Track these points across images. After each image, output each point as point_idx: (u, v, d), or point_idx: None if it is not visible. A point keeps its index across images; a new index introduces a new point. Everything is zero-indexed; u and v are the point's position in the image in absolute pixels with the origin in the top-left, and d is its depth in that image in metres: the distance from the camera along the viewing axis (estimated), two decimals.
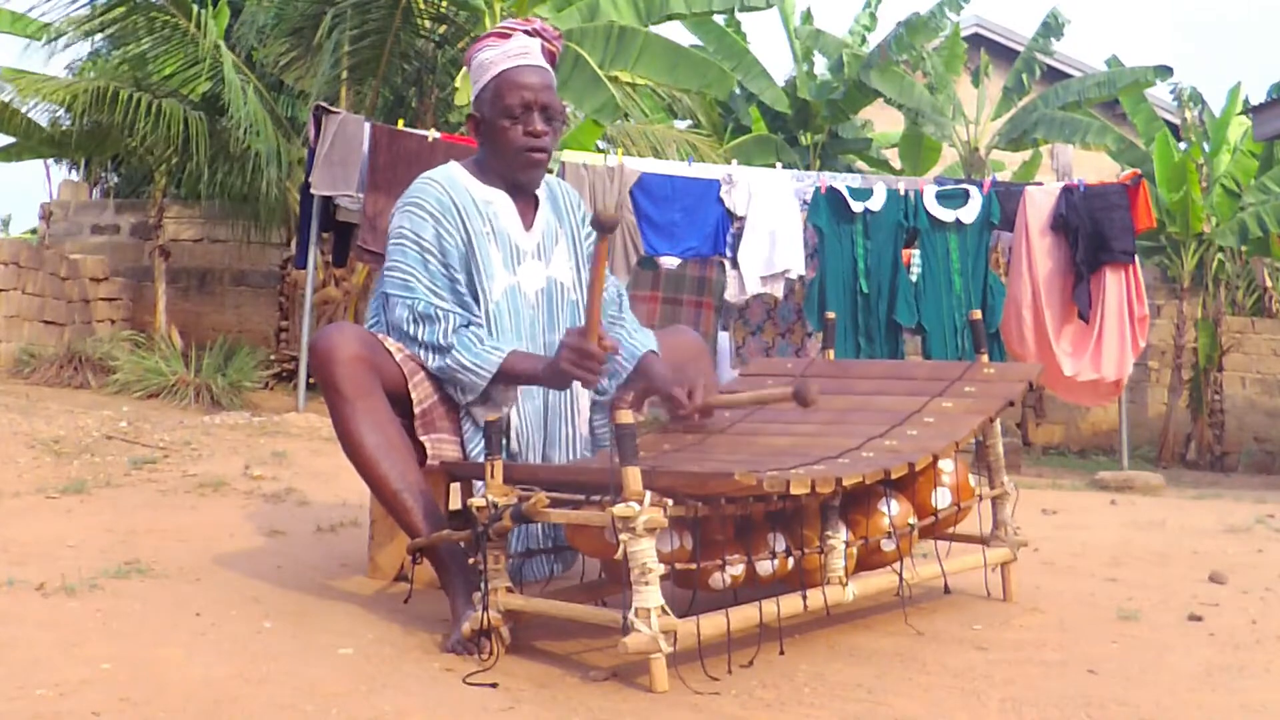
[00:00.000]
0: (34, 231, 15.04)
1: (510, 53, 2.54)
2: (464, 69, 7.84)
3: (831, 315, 3.17)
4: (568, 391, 2.58)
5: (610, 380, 2.66)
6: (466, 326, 2.45)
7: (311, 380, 7.81)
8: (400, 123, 7.80)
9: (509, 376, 2.42)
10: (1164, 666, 2.28)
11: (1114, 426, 10.87)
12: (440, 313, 2.44)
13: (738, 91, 13.27)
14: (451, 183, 2.56)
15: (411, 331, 2.45)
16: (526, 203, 2.64)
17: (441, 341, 2.43)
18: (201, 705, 1.78)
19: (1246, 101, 12.10)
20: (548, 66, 2.59)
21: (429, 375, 2.48)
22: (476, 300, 2.51)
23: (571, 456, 2.59)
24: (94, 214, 12.73)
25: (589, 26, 8.65)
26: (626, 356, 2.65)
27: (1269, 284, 13.04)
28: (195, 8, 9.27)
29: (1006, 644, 2.40)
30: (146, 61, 9.79)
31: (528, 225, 2.62)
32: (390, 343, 2.47)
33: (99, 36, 9.88)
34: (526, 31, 2.59)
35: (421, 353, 2.45)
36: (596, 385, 2.45)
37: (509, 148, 2.55)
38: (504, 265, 2.55)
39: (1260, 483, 9.24)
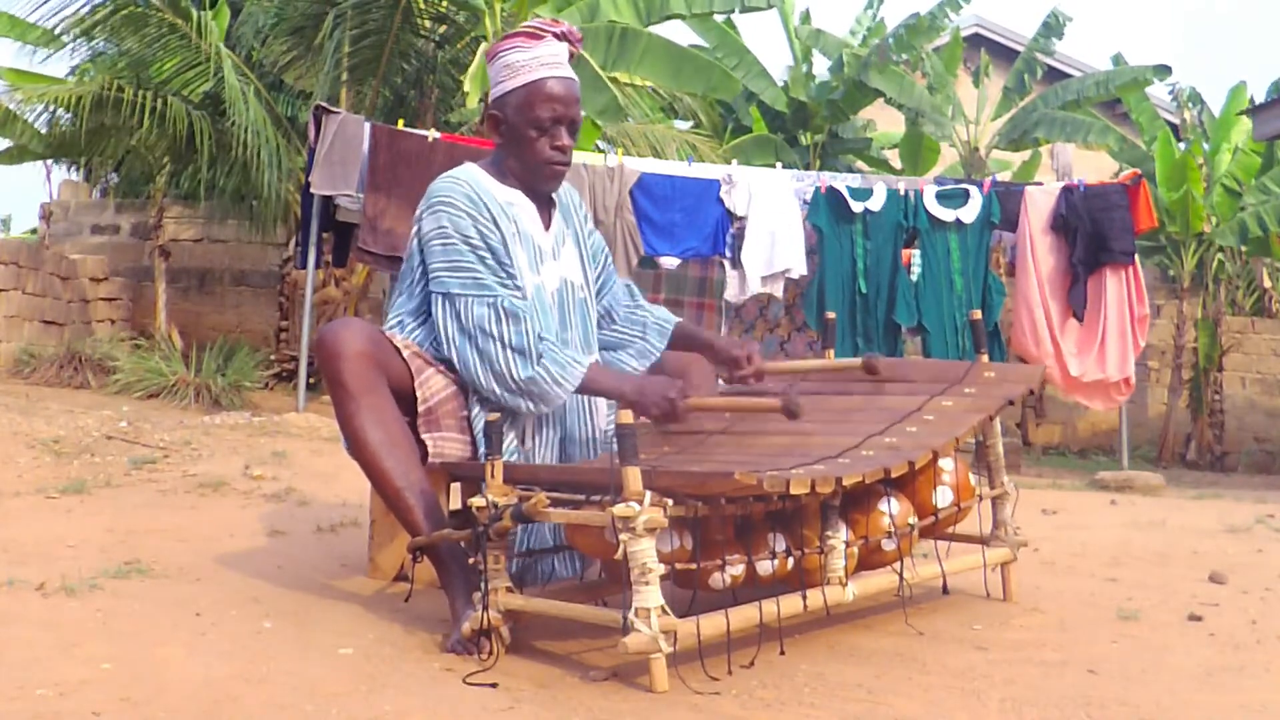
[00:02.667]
0: (34, 231, 15.04)
1: (543, 59, 2.50)
2: (468, 69, 7.83)
3: (831, 315, 3.17)
4: None
5: (640, 360, 2.73)
6: (544, 337, 2.44)
7: (312, 380, 7.82)
8: (400, 123, 7.80)
9: (587, 390, 2.44)
10: (1164, 666, 2.28)
11: (1114, 426, 10.87)
12: (524, 313, 2.41)
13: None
14: (475, 183, 2.53)
15: (498, 331, 2.39)
16: (543, 204, 2.64)
17: (531, 346, 2.38)
18: (201, 705, 1.78)
19: (1252, 100, 12.09)
20: (575, 76, 2.57)
21: (438, 373, 2.47)
22: None
23: (591, 455, 2.59)
24: (94, 214, 12.74)
25: (589, 27, 8.65)
26: (655, 335, 2.74)
27: (1269, 284, 13.04)
28: (194, 11, 9.27)
29: (1006, 644, 2.40)
30: (146, 63, 9.79)
31: (546, 226, 2.63)
32: (398, 340, 2.46)
33: (99, 40, 9.88)
34: (556, 34, 2.54)
35: (504, 354, 2.38)
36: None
37: (534, 158, 2.53)
38: (529, 266, 2.55)
39: (1260, 483, 9.24)
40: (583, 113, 2.62)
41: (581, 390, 2.42)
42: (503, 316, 2.40)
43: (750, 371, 2.64)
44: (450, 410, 2.48)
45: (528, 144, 2.52)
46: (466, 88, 7.81)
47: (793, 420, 2.37)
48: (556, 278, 2.61)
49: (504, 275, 2.47)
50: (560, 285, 2.61)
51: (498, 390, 2.41)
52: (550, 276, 2.59)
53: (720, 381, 2.82)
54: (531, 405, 2.42)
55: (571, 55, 2.58)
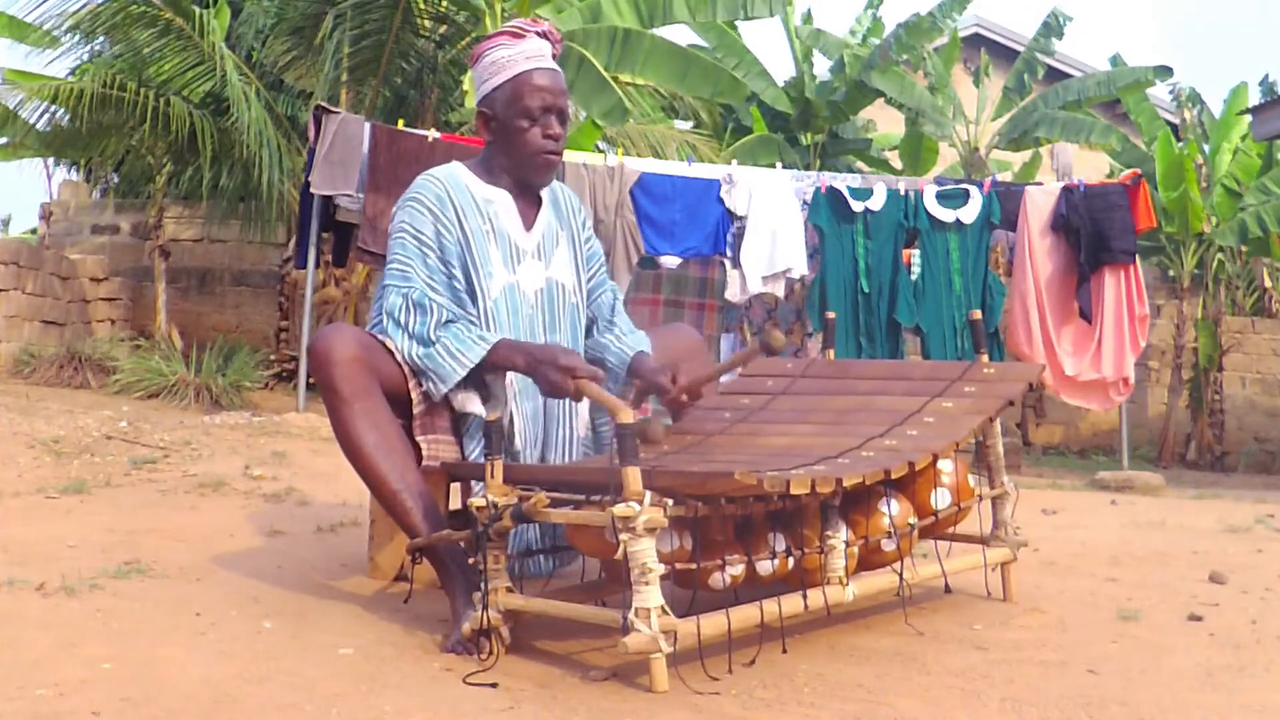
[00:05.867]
0: (34, 231, 15.04)
1: (527, 54, 2.55)
2: (468, 69, 7.83)
3: (831, 315, 3.16)
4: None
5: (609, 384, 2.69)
6: (455, 321, 2.45)
7: (312, 380, 7.81)
8: (400, 123, 7.80)
9: (489, 364, 2.41)
10: (1164, 666, 2.28)
11: (1114, 426, 10.87)
12: (432, 305, 2.44)
13: None
14: (452, 180, 2.57)
15: (402, 319, 2.44)
16: (528, 203, 2.65)
17: (430, 334, 2.42)
18: (201, 705, 1.78)
19: (1264, 94, 12.09)
20: (560, 69, 2.61)
21: None
22: (474, 298, 2.52)
23: (568, 459, 2.59)
24: (94, 214, 12.74)
25: (591, 28, 8.64)
26: (617, 362, 2.67)
27: (1269, 284, 13.04)
28: (196, 10, 9.27)
29: (1006, 644, 2.40)
30: (146, 63, 9.79)
31: (528, 225, 2.63)
32: (391, 344, 2.47)
33: (100, 39, 9.89)
34: (538, 33, 2.59)
35: (406, 341, 2.44)
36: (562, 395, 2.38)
37: (526, 149, 2.56)
38: (503, 264, 2.56)
39: (1260, 483, 9.24)
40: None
41: (484, 366, 2.40)
42: (410, 307, 2.44)
43: (676, 393, 2.53)
44: (443, 412, 2.48)
45: (519, 135, 2.54)
46: (466, 87, 7.81)
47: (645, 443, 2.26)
48: (540, 278, 2.61)
49: (440, 275, 2.50)
50: (546, 286, 2.62)
51: (412, 370, 2.44)
52: (530, 276, 2.59)
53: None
54: (432, 386, 2.42)
55: (554, 55, 2.62)
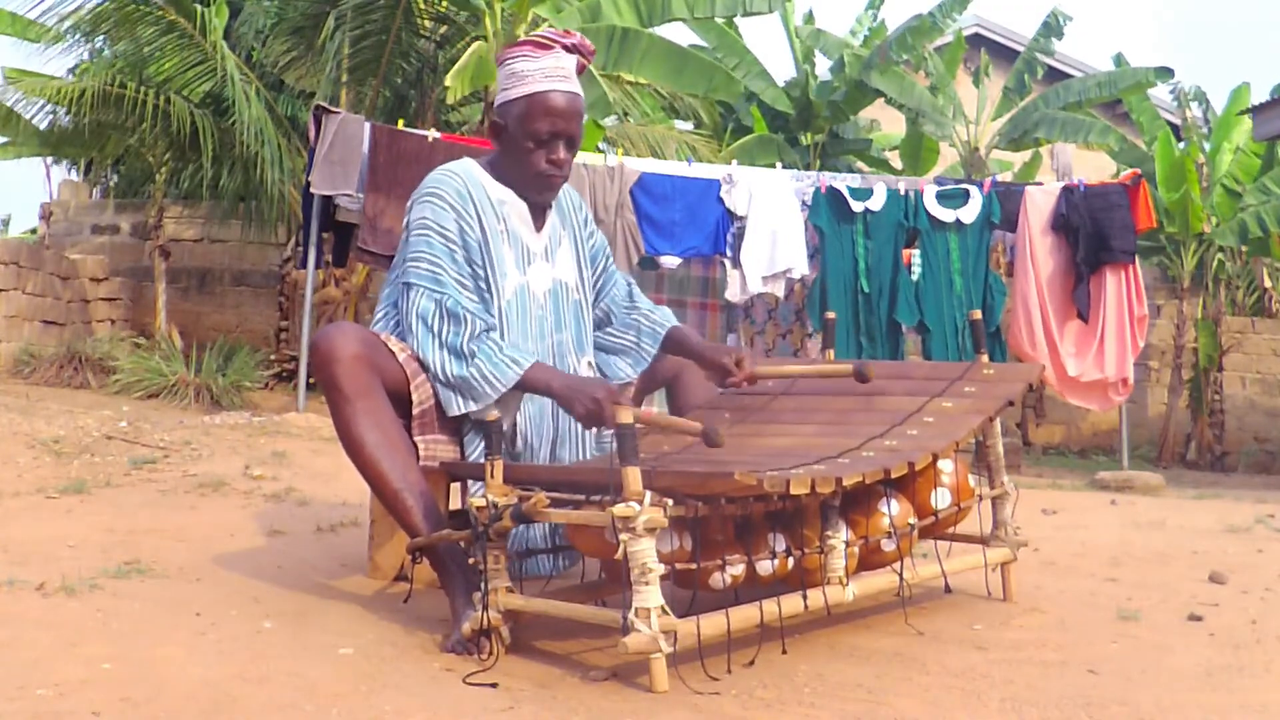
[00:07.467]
0: (34, 231, 15.04)
1: (547, 71, 2.50)
2: (456, 66, 7.85)
3: (831, 315, 3.17)
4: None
5: (635, 367, 2.72)
6: (488, 332, 2.44)
7: (312, 380, 7.83)
8: (400, 123, 7.80)
9: (522, 387, 2.41)
10: (1164, 666, 2.28)
11: (1114, 426, 10.87)
12: (466, 315, 2.42)
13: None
14: (469, 177, 2.56)
15: (436, 328, 2.42)
16: (537, 206, 2.64)
17: (464, 347, 2.40)
18: (201, 705, 1.78)
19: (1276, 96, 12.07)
20: (580, 91, 2.56)
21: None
22: (488, 299, 2.51)
23: (581, 454, 2.59)
24: (94, 214, 12.75)
25: (590, 28, 8.64)
26: (651, 339, 2.72)
27: (1269, 284, 13.03)
28: (198, 8, 9.28)
29: (1006, 644, 2.40)
30: (147, 62, 9.80)
31: (538, 227, 2.63)
32: (394, 342, 2.47)
33: (100, 37, 9.90)
34: (566, 46, 2.54)
35: (439, 353, 2.41)
36: (592, 427, 2.40)
37: (529, 170, 2.54)
38: (515, 265, 2.56)
39: (1260, 483, 9.24)
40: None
41: (516, 388, 2.40)
42: (444, 315, 2.42)
43: (741, 378, 2.63)
44: (442, 414, 2.48)
45: (525, 155, 2.53)
46: (448, 82, 7.77)
47: (711, 447, 2.21)
48: (548, 279, 2.61)
49: (468, 275, 2.49)
50: (553, 286, 2.62)
51: (437, 380, 2.43)
52: (540, 277, 2.60)
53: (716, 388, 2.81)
54: (461, 400, 2.41)
55: (581, 67, 2.58)
